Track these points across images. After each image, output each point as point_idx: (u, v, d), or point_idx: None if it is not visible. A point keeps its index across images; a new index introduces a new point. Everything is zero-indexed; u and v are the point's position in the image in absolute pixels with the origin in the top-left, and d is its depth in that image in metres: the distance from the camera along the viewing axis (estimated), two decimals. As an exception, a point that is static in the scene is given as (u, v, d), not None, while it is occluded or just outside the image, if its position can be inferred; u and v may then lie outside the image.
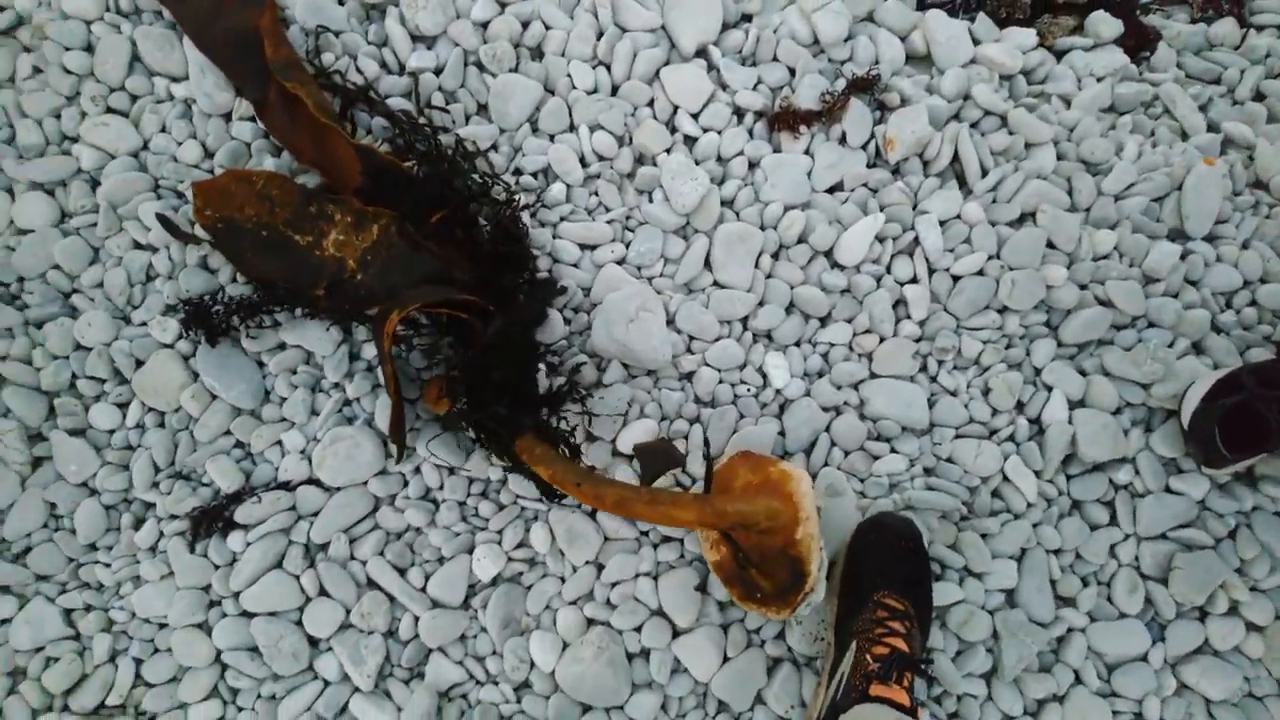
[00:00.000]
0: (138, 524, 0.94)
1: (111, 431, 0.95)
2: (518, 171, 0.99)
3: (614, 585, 0.93)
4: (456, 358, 0.90)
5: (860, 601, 0.86)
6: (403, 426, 0.91)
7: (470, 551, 0.93)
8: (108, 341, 0.94)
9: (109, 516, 0.94)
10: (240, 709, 0.92)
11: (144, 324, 0.95)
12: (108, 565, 0.93)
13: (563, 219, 0.98)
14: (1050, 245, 0.98)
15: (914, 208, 1.00)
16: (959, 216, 0.99)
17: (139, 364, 0.94)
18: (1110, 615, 0.95)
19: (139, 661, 0.93)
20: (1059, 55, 1.11)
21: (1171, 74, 1.10)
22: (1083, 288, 0.98)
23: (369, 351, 0.95)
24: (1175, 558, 0.94)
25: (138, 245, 0.97)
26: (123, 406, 0.95)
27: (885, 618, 0.83)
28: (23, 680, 0.92)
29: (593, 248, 0.99)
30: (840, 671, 0.82)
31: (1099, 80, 1.08)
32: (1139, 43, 1.15)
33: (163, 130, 0.99)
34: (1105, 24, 1.11)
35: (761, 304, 0.97)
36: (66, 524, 0.94)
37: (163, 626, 0.93)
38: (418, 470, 0.94)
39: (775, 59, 1.03)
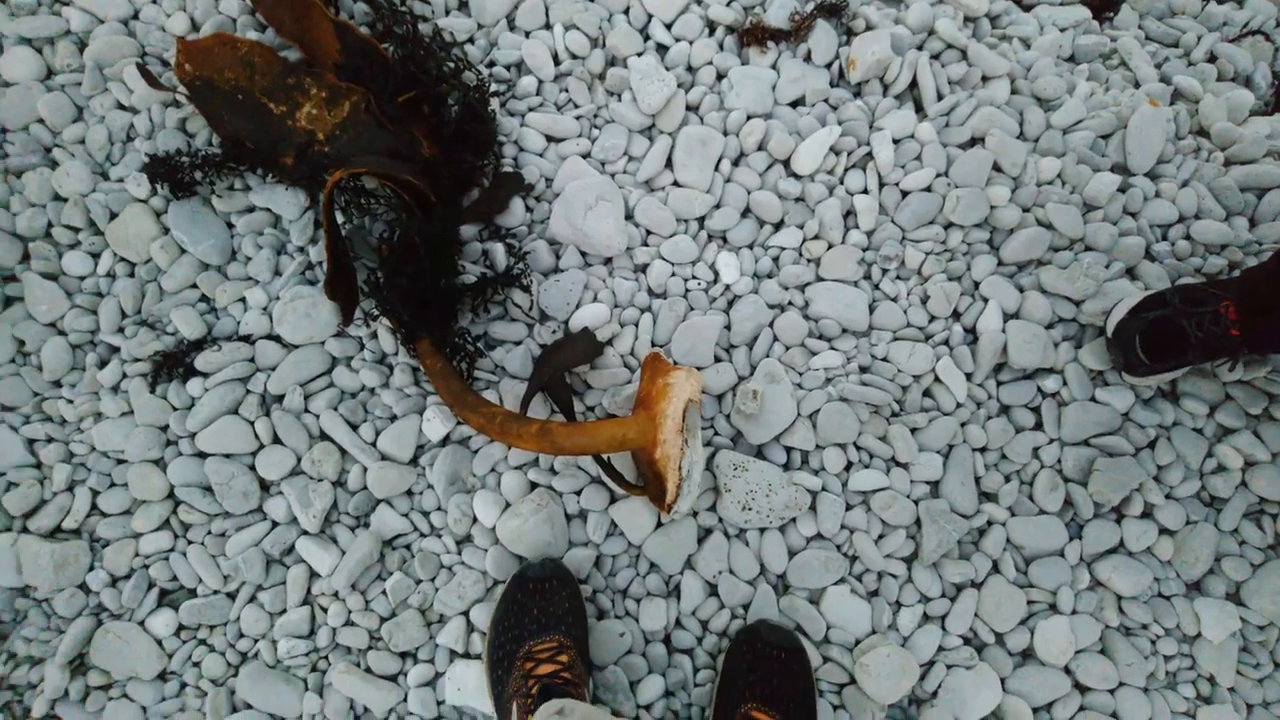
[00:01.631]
0: (102, 364, 0.97)
1: (83, 278, 0.98)
2: (491, 64, 1.03)
3: (557, 452, 0.97)
4: (380, 255, 0.93)
5: (728, 715, 0.85)
6: (352, 286, 0.94)
7: (421, 413, 0.96)
8: (85, 193, 0.98)
9: (74, 355, 0.97)
10: (190, 542, 0.96)
11: (121, 180, 0.98)
12: (70, 401, 0.96)
13: (531, 110, 1.02)
14: (996, 169, 1.03)
15: (870, 125, 1.04)
16: (912, 136, 1.03)
17: (113, 216, 0.98)
18: (1030, 511, 0.99)
19: (96, 492, 0.96)
20: (1028, 8, 1.15)
21: (1132, 32, 1.15)
22: (1025, 210, 1.02)
23: (335, 221, 0.98)
24: (1096, 461, 0.97)
25: (120, 106, 1.00)
26: (95, 255, 0.99)
27: None
28: (-16, 502, 0.95)
29: (559, 140, 1.02)
30: None
31: (1061, 30, 1.12)
32: (1105, 3, 1.20)
33: (153, 1, 1.02)
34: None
35: (718, 206, 1.01)
36: (34, 360, 0.97)
37: (120, 461, 0.96)
38: (374, 335, 0.97)
39: (749, -22, 1.07)
